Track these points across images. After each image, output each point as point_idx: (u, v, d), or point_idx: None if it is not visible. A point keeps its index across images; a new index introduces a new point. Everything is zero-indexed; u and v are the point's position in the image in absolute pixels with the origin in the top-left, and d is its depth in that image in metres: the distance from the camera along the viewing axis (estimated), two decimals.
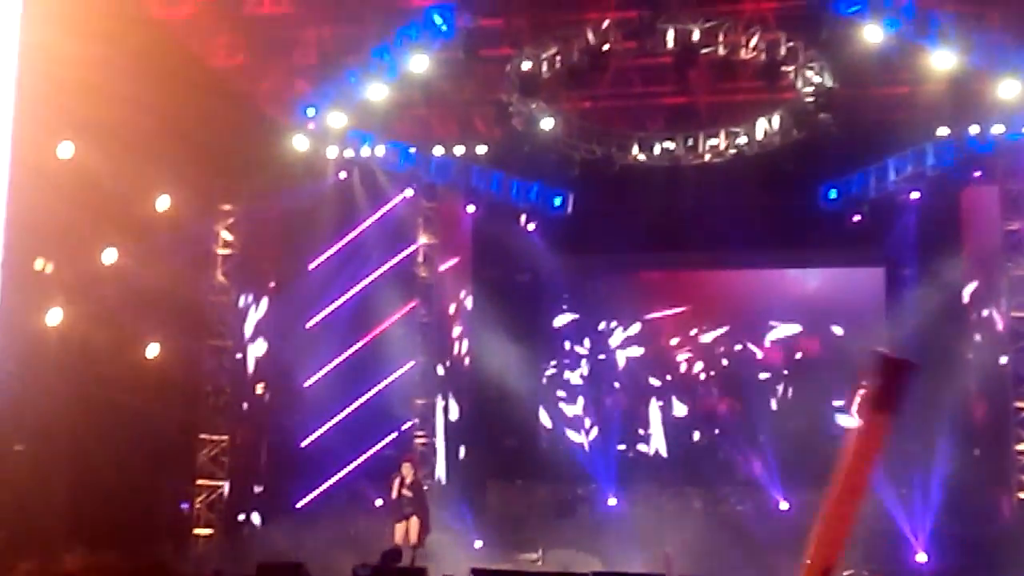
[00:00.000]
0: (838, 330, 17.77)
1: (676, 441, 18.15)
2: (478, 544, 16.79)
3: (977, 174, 15.89)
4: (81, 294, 13.34)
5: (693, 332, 18.32)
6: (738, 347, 18.12)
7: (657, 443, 18.18)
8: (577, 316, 18.58)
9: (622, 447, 17.98)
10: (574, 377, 18.46)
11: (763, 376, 18.00)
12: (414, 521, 14.10)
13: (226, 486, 16.52)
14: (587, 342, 18.48)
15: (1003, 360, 16.32)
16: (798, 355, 17.93)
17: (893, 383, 2.89)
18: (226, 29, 14.86)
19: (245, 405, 16.96)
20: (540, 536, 17.03)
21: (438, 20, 14.11)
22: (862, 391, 2.84)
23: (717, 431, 18.01)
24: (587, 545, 16.59)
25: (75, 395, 13.42)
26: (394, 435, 17.61)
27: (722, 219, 16.25)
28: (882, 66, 14.60)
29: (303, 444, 17.09)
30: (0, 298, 11.28)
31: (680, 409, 18.20)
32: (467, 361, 18.32)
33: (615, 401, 18.07)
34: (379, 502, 16.29)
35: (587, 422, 18.12)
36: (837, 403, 17.51)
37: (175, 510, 16.11)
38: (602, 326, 18.50)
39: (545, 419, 18.37)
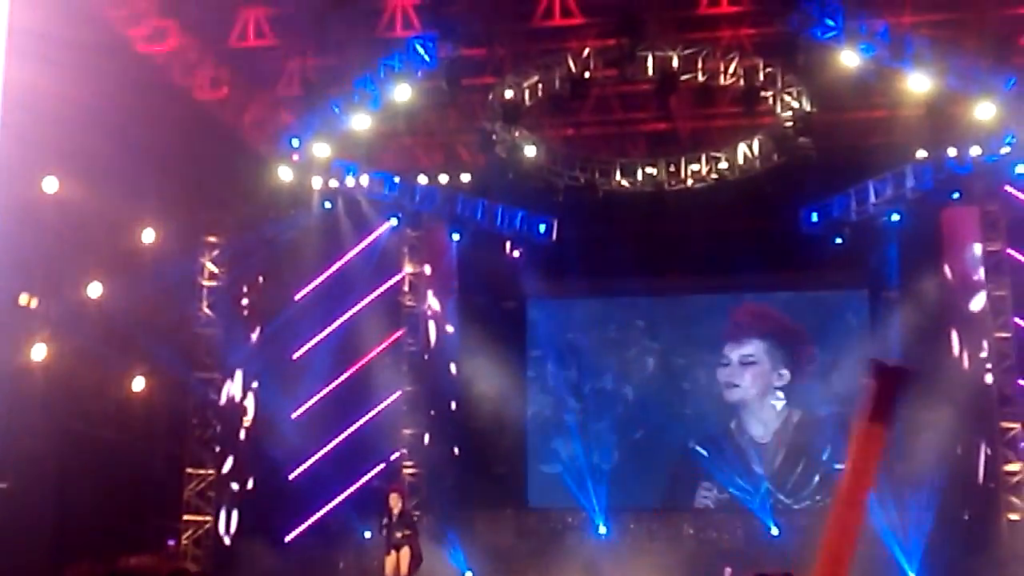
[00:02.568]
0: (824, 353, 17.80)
1: (667, 465, 18.12)
2: (469, 575, 16.68)
3: (956, 196, 16.04)
4: (66, 328, 13.29)
5: (679, 357, 18.32)
6: (723, 372, 18.08)
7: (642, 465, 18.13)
8: (563, 343, 18.57)
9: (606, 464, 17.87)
10: (561, 404, 18.40)
11: (750, 401, 17.98)
12: (404, 552, 13.95)
13: (213, 521, 16.39)
14: (573, 368, 18.45)
15: (988, 380, 16.41)
16: (786, 379, 17.92)
17: (889, 393, 2.90)
18: (210, 62, 14.94)
19: (232, 438, 16.84)
20: (530, 566, 16.93)
21: (420, 50, 14.25)
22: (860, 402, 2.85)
23: (705, 457, 17.95)
24: (580, 571, 16.51)
25: (60, 430, 13.33)
26: (382, 466, 17.51)
27: (705, 244, 16.37)
28: (859, 90, 14.81)
29: (291, 476, 16.96)
30: None
31: (671, 433, 18.15)
32: (454, 389, 18.26)
33: (602, 424, 18.00)
34: (367, 534, 16.17)
35: (573, 448, 18.03)
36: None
37: (162, 546, 15.93)
38: (588, 352, 18.49)
39: (531, 447, 18.30)
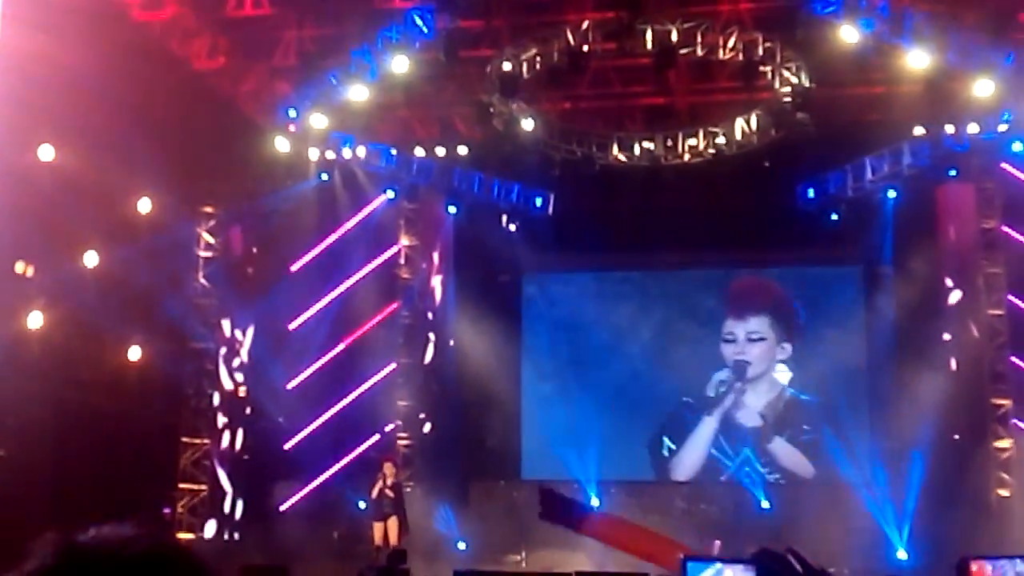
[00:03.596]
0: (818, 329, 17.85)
1: (658, 434, 18.21)
2: (461, 546, 16.79)
3: (953, 173, 16.07)
4: (62, 297, 13.29)
5: (674, 331, 18.35)
6: (729, 348, 18.10)
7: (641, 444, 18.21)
8: (558, 316, 18.59)
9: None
10: (555, 377, 18.42)
11: (756, 377, 18.01)
12: (392, 521, 14.10)
13: (208, 490, 16.48)
14: (568, 341, 18.47)
15: (981, 357, 16.49)
16: (788, 352, 17.97)
17: (556, 513, 3.15)
18: (207, 31, 14.86)
19: (227, 408, 16.90)
20: (523, 537, 17.05)
21: (418, 21, 14.19)
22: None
23: (697, 430, 18.04)
24: (570, 545, 16.62)
25: (56, 399, 13.36)
26: (377, 437, 17.59)
27: (702, 218, 16.35)
28: (858, 66, 14.80)
29: (286, 447, 17.04)
30: None
31: (666, 407, 18.21)
32: (449, 362, 18.30)
33: (597, 398, 18.03)
34: (362, 504, 16.28)
35: (567, 420, 18.09)
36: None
37: (157, 515, 16.04)
38: (582, 326, 18.51)
39: (526, 419, 18.36)
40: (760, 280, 18.47)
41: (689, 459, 17.95)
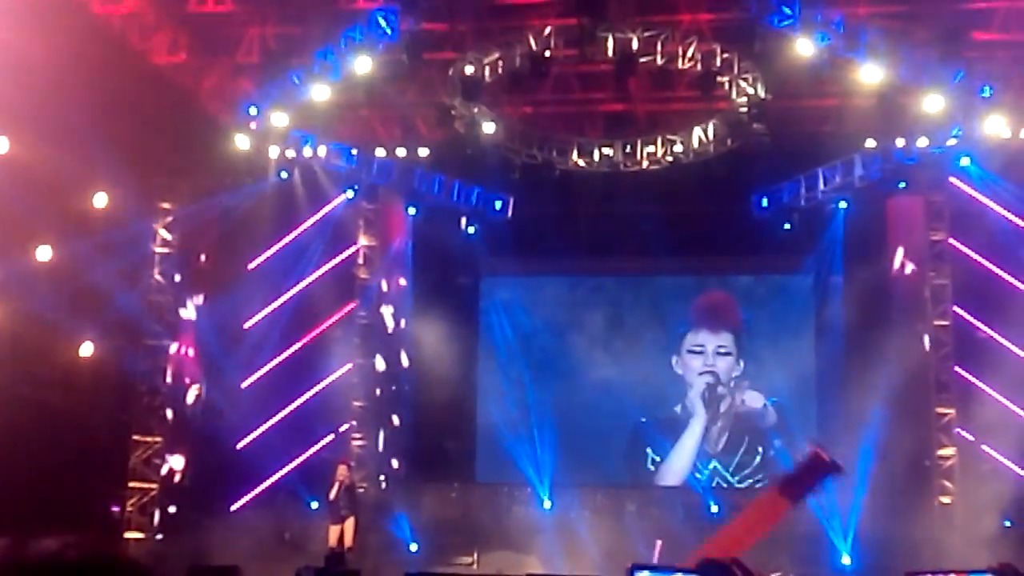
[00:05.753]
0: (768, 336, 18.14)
1: (616, 442, 18.36)
2: (413, 547, 16.81)
3: (902, 185, 16.44)
4: (14, 292, 13.12)
5: (630, 336, 18.53)
6: (695, 359, 18.31)
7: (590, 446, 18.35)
8: (515, 319, 18.69)
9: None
10: (512, 379, 18.51)
11: (697, 383, 18.24)
12: (349, 523, 14.08)
13: (158, 488, 16.33)
14: (525, 344, 18.57)
15: (925, 367, 16.85)
16: (741, 369, 18.21)
17: (812, 480, 3.12)
18: (168, 26, 14.78)
19: (180, 406, 16.76)
20: (475, 539, 17.11)
21: (382, 23, 14.24)
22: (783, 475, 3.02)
23: (655, 434, 18.23)
24: (522, 547, 16.72)
25: (5, 394, 13.18)
26: (331, 437, 17.54)
27: (658, 225, 16.56)
28: (813, 79, 15.10)
29: (239, 446, 16.93)
30: None
31: (621, 412, 18.36)
32: (405, 363, 18.32)
33: (552, 401, 18.15)
34: (315, 505, 16.24)
35: (522, 423, 18.18)
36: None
37: (106, 513, 15.87)
38: (539, 329, 18.63)
39: (481, 422, 18.43)
40: (725, 296, 18.69)
41: (677, 466, 18.13)
